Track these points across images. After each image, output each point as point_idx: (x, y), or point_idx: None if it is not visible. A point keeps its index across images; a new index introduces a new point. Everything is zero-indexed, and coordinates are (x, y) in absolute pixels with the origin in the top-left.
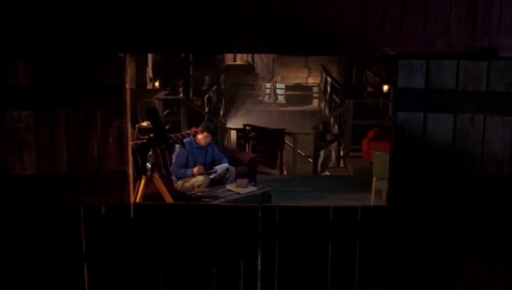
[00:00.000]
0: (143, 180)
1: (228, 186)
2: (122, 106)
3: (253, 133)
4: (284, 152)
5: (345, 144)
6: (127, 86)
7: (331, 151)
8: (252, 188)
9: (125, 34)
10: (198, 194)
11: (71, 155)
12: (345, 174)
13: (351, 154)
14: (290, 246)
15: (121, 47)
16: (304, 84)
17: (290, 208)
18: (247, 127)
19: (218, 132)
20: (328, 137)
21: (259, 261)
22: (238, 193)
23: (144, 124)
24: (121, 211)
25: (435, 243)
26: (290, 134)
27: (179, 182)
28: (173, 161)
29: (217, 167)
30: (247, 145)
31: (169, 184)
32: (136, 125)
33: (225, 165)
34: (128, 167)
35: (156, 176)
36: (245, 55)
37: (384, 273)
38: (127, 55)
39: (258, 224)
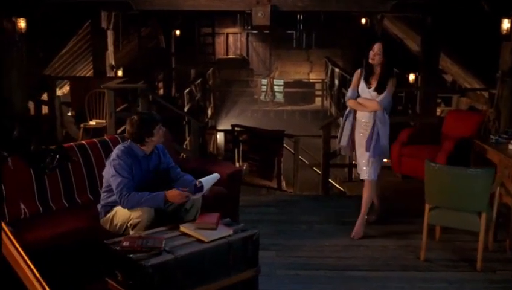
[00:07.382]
0: None
1: (183, 227)
2: None
3: (244, 136)
4: (282, 159)
5: None
6: None
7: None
8: (224, 231)
9: None
10: (124, 244)
11: None
12: None
13: None
14: None
15: None
16: (305, 81)
17: None
18: (237, 128)
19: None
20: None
21: None
22: (200, 241)
23: (92, 122)
24: None
25: None
26: (290, 136)
27: (107, 216)
28: (114, 178)
29: (202, 181)
30: (236, 150)
31: (91, 220)
32: (81, 125)
33: (216, 175)
34: None
35: (4, 227)
36: (238, 48)
37: None
38: None
39: None
